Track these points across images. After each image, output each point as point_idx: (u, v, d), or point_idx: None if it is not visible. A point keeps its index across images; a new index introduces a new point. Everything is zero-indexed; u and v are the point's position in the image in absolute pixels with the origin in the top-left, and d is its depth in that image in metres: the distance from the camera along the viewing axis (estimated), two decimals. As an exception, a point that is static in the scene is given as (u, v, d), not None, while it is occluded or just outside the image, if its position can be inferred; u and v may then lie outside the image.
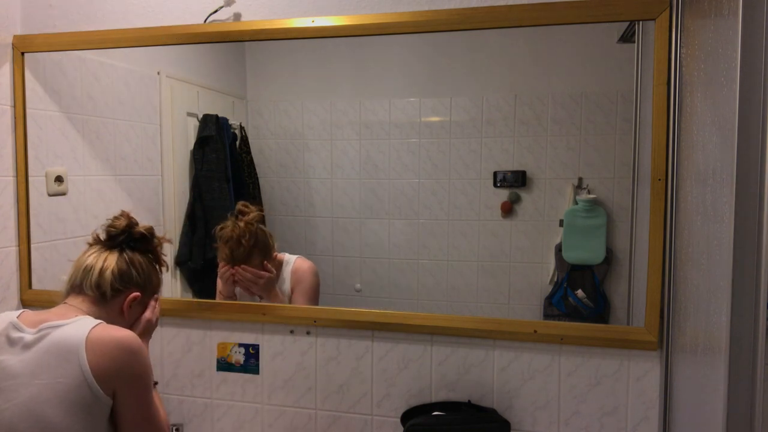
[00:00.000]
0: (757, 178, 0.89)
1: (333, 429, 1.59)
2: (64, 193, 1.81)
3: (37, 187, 1.78)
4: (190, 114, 1.95)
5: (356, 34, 1.51)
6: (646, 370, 1.40)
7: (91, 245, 1.28)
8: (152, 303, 1.31)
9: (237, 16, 1.60)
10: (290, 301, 1.70)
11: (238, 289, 1.70)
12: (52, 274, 1.80)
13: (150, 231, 1.30)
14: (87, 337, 1.08)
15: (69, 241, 1.82)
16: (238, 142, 1.99)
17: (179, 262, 1.92)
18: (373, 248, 1.95)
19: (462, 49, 1.85)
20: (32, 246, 1.78)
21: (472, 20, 1.42)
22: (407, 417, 1.49)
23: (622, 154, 1.67)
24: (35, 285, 1.79)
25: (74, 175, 1.82)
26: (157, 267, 1.33)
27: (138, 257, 1.27)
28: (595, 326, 1.46)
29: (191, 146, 1.94)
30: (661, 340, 1.36)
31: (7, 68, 1.74)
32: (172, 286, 1.94)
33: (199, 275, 1.91)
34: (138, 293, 1.25)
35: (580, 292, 1.75)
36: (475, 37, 1.66)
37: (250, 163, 2.00)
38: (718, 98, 1.01)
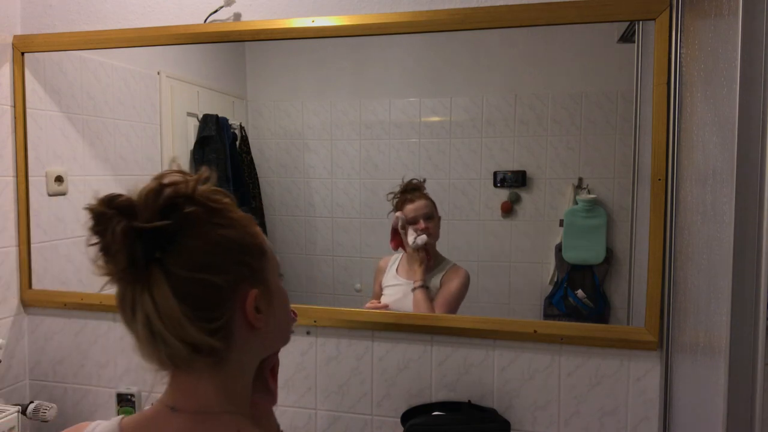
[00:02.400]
0: (757, 178, 0.89)
1: (333, 429, 1.59)
2: (64, 193, 1.81)
3: (37, 187, 1.78)
4: (190, 114, 1.95)
5: (356, 34, 1.51)
6: (646, 370, 1.40)
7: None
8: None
9: (237, 16, 1.60)
10: (435, 296, 1.73)
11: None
12: (52, 274, 1.80)
13: (176, 195, 0.66)
14: None
15: (69, 241, 1.82)
16: (238, 142, 1.99)
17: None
18: (373, 248, 1.95)
19: (462, 49, 1.84)
20: (32, 246, 1.78)
21: (472, 20, 1.42)
22: (407, 417, 1.49)
23: (622, 154, 1.67)
24: (35, 285, 1.79)
25: (74, 175, 1.82)
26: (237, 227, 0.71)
27: (194, 249, 0.66)
28: (595, 326, 1.46)
29: (191, 146, 1.93)
30: (661, 340, 1.36)
31: (7, 68, 1.74)
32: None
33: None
34: (251, 290, 0.71)
35: (580, 292, 1.75)
36: (475, 37, 1.66)
37: (250, 163, 2.00)
38: (718, 98, 1.00)
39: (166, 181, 0.66)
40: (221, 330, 0.67)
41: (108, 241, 0.64)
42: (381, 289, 1.81)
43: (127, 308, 0.67)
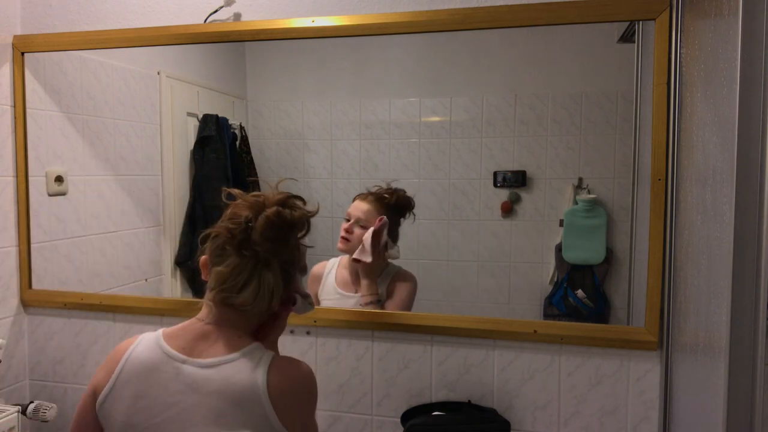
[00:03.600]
0: (757, 178, 0.89)
1: (333, 429, 1.59)
2: (64, 193, 1.81)
3: (37, 187, 1.78)
4: (190, 114, 1.95)
5: (356, 34, 1.51)
6: (646, 370, 1.40)
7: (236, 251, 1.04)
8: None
9: (237, 16, 1.60)
10: (384, 304, 1.63)
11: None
12: (52, 274, 1.80)
13: (293, 225, 1.07)
14: (268, 385, 0.98)
15: (69, 241, 1.82)
16: (238, 142, 1.99)
17: (179, 262, 1.92)
18: (373, 248, 1.95)
19: (462, 49, 1.84)
20: (32, 246, 1.78)
21: (472, 20, 1.42)
22: (407, 417, 1.49)
23: (622, 154, 1.67)
24: (35, 285, 1.79)
25: (74, 175, 1.82)
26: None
27: (290, 253, 1.09)
28: (595, 326, 1.46)
29: (191, 146, 1.94)
30: (661, 340, 1.36)
31: (7, 68, 1.74)
32: (172, 286, 1.94)
33: (199, 275, 1.91)
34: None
35: (580, 292, 1.75)
36: (475, 37, 1.66)
37: (250, 163, 2.00)
38: (718, 98, 1.00)
39: (299, 206, 1.10)
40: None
41: (275, 242, 1.03)
42: (318, 301, 1.71)
43: (241, 278, 1.02)
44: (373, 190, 1.71)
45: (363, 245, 1.59)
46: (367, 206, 1.66)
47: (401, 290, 1.65)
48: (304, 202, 1.11)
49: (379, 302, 1.60)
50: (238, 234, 1.01)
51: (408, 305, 1.64)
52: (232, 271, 1.02)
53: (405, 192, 1.72)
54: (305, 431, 1.06)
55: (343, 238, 1.67)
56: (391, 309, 1.60)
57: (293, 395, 1.01)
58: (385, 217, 1.62)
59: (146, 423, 0.98)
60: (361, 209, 1.66)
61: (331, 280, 1.71)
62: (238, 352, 1.01)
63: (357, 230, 1.65)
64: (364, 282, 1.60)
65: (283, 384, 1.00)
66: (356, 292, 1.64)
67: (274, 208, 1.02)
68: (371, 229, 1.60)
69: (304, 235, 1.11)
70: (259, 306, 1.04)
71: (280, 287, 1.05)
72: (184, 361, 1.00)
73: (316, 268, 1.75)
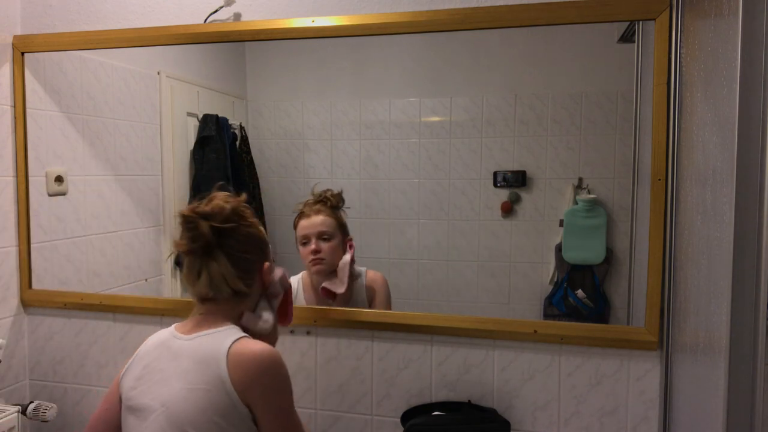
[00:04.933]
0: (757, 178, 0.89)
1: (333, 429, 1.59)
2: (64, 193, 1.81)
3: (37, 187, 1.78)
4: (190, 114, 1.95)
5: (356, 34, 1.51)
6: (646, 370, 1.40)
7: (184, 255, 1.19)
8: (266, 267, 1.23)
9: (237, 16, 1.60)
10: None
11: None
12: (52, 274, 1.80)
13: (227, 218, 1.17)
14: (228, 352, 1.09)
15: (69, 241, 1.82)
16: (238, 142, 1.99)
17: (179, 262, 1.92)
18: (372, 248, 1.95)
19: (462, 49, 1.85)
20: (32, 246, 1.78)
21: (472, 20, 1.42)
22: (407, 417, 1.49)
23: (622, 154, 1.67)
24: (35, 285, 1.79)
25: (74, 175, 1.82)
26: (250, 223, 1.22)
27: (237, 240, 1.17)
28: (595, 326, 1.46)
29: (191, 146, 1.94)
30: (661, 340, 1.36)
31: (7, 68, 1.74)
32: (172, 286, 1.94)
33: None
34: (266, 263, 1.22)
35: (580, 292, 1.75)
36: (475, 37, 1.66)
37: (250, 163, 2.00)
38: (718, 98, 1.01)
39: (228, 200, 1.19)
40: (251, 282, 1.20)
41: (196, 233, 1.14)
42: None
43: (194, 272, 1.16)
44: (305, 201, 1.64)
45: (338, 276, 1.55)
46: (321, 217, 1.60)
47: (380, 294, 1.63)
48: (244, 206, 1.22)
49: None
50: (179, 242, 1.17)
51: (389, 306, 1.64)
52: (188, 270, 1.18)
53: (329, 189, 1.66)
54: (279, 420, 1.11)
55: (315, 260, 1.59)
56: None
57: (251, 369, 1.08)
58: (351, 238, 1.60)
59: (142, 386, 1.14)
60: (317, 222, 1.60)
61: (301, 301, 1.65)
62: (216, 329, 1.15)
63: (324, 245, 1.59)
64: (343, 298, 1.58)
65: (242, 355, 1.09)
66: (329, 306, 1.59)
67: (188, 207, 1.17)
68: (348, 257, 1.57)
69: (240, 223, 1.18)
70: (220, 291, 1.16)
71: (230, 272, 1.15)
72: (178, 338, 1.17)
73: None
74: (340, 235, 1.62)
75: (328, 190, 1.66)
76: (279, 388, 1.12)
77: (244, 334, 1.15)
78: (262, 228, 1.25)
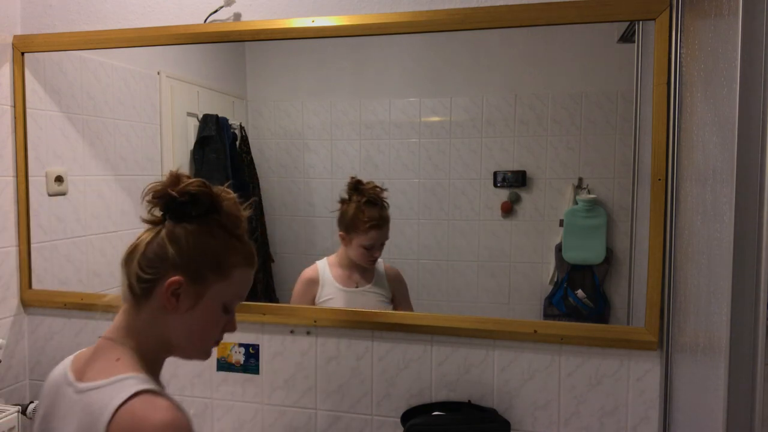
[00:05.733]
0: (757, 178, 0.89)
1: (333, 429, 1.59)
2: (64, 193, 1.81)
3: (37, 187, 1.78)
4: (190, 114, 1.95)
5: (356, 34, 1.51)
6: (646, 370, 1.40)
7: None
8: (214, 308, 0.94)
9: (237, 16, 1.60)
10: (394, 304, 1.70)
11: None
12: (52, 274, 1.80)
13: (203, 190, 0.91)
14: (112, 418, 0.81)
15: (69, 241, 1.82)
16: (238, 142, 1.99)
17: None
18: (373, 248, 1.95)
19: (462, 49, 1.84)
20: (32, 246, 1.78)
21: (472, 20, 1.42)
22: (407, 417, 1.49)
23: (622, 154, 1.67)
24: (35, 285, 1.79)
25: (74, 175, 1.82)
26: (233, 240, 0.94)
27: (187, 227, 0.92)
28: (595, 326, 1.46)
29: (191, 146, 1.93)
30: (661, 340, 1.36)
31: (7, 68, 1.74)
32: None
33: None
34: (177, 278, 0.90)
35: (580, 292, 1.75)
36: (475, 37, 1.66)
37: (250, 163, 2.00)
38: (718, 98, 1.00)
39: (222, 193, 0.95)
40: (147, 283, 0.91)
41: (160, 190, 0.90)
42: (314, 304, 1.69)
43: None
44: (364, 200, 1.69)
45: None
46: (387, 226, 1.71)
47: (403, 290, 1.70)
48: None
49: (390, 302, 1.67)
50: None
51: (408, 296, 1.71)
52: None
53: (377, 186, 1.71)
54: None
55: (371, 261, 1.71)
56: (403, 310, 1.67)
57: None
58: None
59: None
60: (385, 233, 1.70)
61: (329, 279, 1.72)
62: (108, 377, 0.87)
63: (379, 251, 1.71)
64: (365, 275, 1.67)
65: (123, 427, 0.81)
66: (357, 286, 1.68)
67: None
68: None
69: (210, 216, 0.94)
70: (125, 282, 0.92)
71: (139, 253, 0.92)
72: (69, 384, 0.91)
73: (308, 272, 1.74)
74: None
75: (376, 188, 1.70)
76: None
77: (140, 387, 0.85)
78: (250, 252, 0.97)
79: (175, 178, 0.91)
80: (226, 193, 0.96)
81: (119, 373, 0.87)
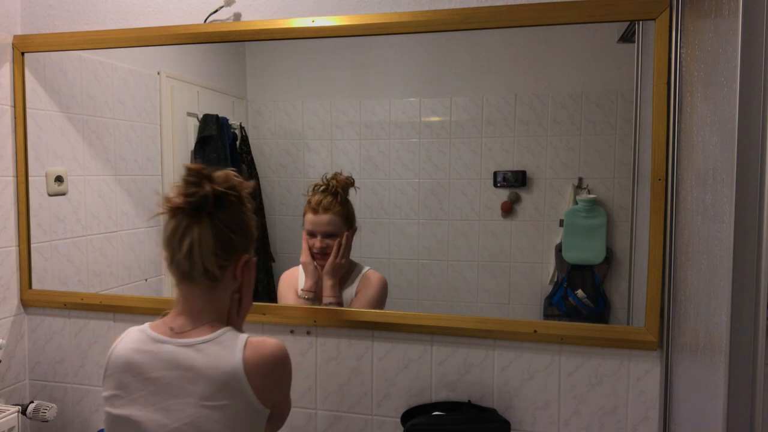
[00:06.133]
0: (757, 178, 0.89)
1: (333, 429, 1.59)
2: (64, 193, 1.81)
3: (37, 187, 1.78)
4: (190, 114, 1.95)
5: (356, 34, 1.51)
6: (646, 370, 1.40)
7: (172, 214, 1.08)
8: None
9: (237, 16, 1.60)
10: (350, 305, 1.61)
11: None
12: (52, 274, 1.81)
13: (232, 187, 1.09)
14: (244, 362, 1.05)
15: (69, 241, 1.82)
16: (238, 142, 1.99)
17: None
18: (372, 248, 1.95)
19: (462, 49, 1.85)
20: (32, 246, 1.78)
21: (472, 20, 1.42)
22: (407, 417, 1.49)
23: (622, 154, 1.67)
24: (35, 285, 1.79)
25: (74, 175, 1.82)
26: (251, 213, 1.15)
27: (229, 216, 1.09)
28: (595, 326, 1.46)
29: (191, 146, 1.94)
30: (661, 340, 1.36)
31: (7, 68, 1.74)
32: (172, 286, 1.94)
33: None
34: (247, 256, 1.13)
35: (580, 292, 1.75)
36: (475, 37, 1.66)
37: (250, 163, 2.00)
38: (718, 98, 1.01)
39: (238, 177, 1.11)
40: (223, 268, 1.09)
41: (195, 189, 1.04)
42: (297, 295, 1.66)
43: (177, 236, 1.06)
44: (314, 186, 1.61)
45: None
46: (327, 217, 1.60)
47: (368, 290, 1.62)
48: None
49: (340, 305, 1.59)
50: (172, 198, 1.07)
51: (374, 305, 1.61)
52: (171, 233, 1.07)
53: (338, 173, 1.64)
54: (280, 404, 1.15)
55: (319, 256, 1.61)
56: (356, 307, 1.59)
57: (268, 372, 1.07)
58: (357, 227, 1.65)
59: (131, 396, 1.07)
60: (324, 222, 1.60)
61: (301, 284, 1.67)
62: (212, 333, 1.09)
63: (329, 241, 1.61)
64: (327, 283, 1.59)
65: (258, 362, 1.06)
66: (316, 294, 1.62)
67: (196, 165, 1.09)
68: (346, 235, 1.61)
69: (241, 200, 1.11)
70: (195, 268, 1.06)
71: (210, 244, 1.05)
72: (165, 341, 1.09)
73: (289, 274, 1.71)
74: (346, 228, 1.62)
75: (336, 174, 1.62)
76: (289, 377, 1.15)
77: (243, 333, 1.11)
78: (255, 223, 1.17)
79: (207, 177, 1.07)
80: (237, 177, 1.12)
81: (218, 328, 1.10)
